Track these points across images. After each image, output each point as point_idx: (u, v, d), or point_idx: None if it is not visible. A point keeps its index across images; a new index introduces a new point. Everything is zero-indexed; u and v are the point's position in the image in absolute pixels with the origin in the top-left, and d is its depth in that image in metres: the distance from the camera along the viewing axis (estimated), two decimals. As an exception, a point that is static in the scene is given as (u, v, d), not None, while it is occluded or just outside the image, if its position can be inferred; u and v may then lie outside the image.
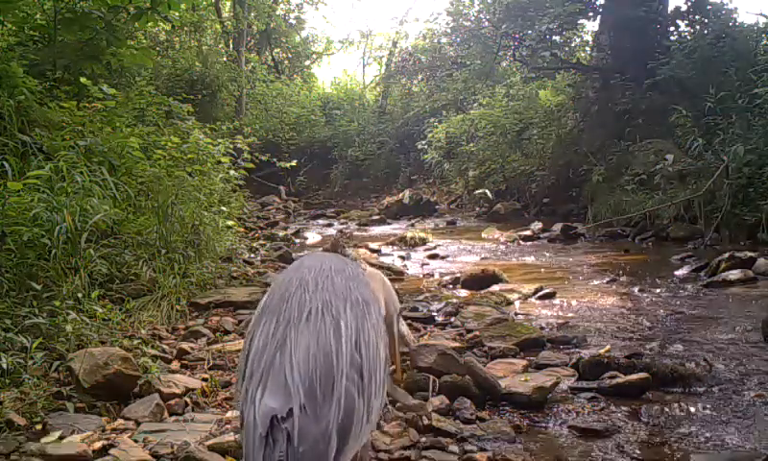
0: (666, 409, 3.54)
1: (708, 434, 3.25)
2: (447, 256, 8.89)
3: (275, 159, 13.77)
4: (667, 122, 11.01)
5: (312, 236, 11.05)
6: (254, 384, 1.59)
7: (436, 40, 21.31)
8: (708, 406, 3.58)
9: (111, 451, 2.85)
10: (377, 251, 9.20)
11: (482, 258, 8.67)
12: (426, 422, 3.27)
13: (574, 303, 5.98)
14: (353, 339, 1.68)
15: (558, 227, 10.49)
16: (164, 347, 4.33)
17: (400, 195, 14.88)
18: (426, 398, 3.61)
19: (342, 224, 13.14)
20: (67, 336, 3.73)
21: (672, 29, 13.12)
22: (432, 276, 7.55)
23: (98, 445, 2.90)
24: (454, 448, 3.10)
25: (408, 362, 4.06)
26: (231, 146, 8.69)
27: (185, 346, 4.35)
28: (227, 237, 7.24)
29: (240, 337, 4.69)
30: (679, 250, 8.44)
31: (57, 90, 6.96)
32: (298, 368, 1.57)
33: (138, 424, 3.19)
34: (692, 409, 3.54)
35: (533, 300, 6.17)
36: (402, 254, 9.07)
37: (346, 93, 23.82)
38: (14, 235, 4.18)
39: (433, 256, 8.86)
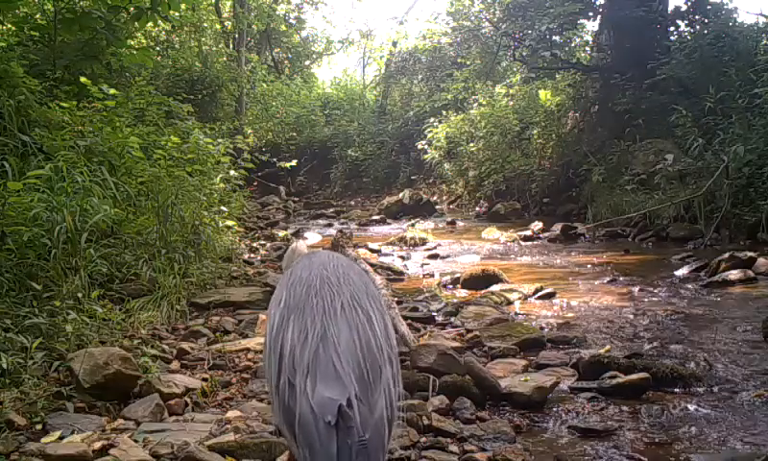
0: (666, 409, 3.54)
1: (707, 434, 3.25)
2: (447, 256, 8.89)
3: (275, 159, 13.77)
4: (667, 122, 11.01)
5: (312, 236, 11.05)
6: (301, 376, 1.63)
7: (436, 40, 21.29)
8: (708, 406, 3.58)
9: (111, 451, 2.85)
10: (377, 251, 9.20)
11: (482, 258, 8.66)
12: (426, 422, 3.27)
13: (574, 303, 5.98)
14: (383, 329, 1.77)
15: (558, 227, 10.49)
16: (164, 347, 4.33)
17: (400, 195, 14.87)
18: (426, 398, 3.62)
19: (342, 224, 13.13)
20: (67, 336, 3.73)
21: (672, 29, 13.12)
22: (432, 276, 7.55)
23: (98, 445, 2.90)
24: (454, 448, 3.10)
25: (408, 362, 4.06)
26: (231, 146, 8.69)
27: (185, 346, 4.35)
28: (227, 237, 7.25)
29: (240, 337, 4.70)
30: (679, 250, 8.44)
31: (57, 90, 6.95)
32: (346, 359, 1.63)
33: (138, 424, 3.19)
34: (692, 409, 3.54)
35: (533, 300, 6.17)
36: (402, 253, 9.07)
37: (346, 93, 23.81)
38: (14, 235, 4.18)
39: (433, 256, 8.86)
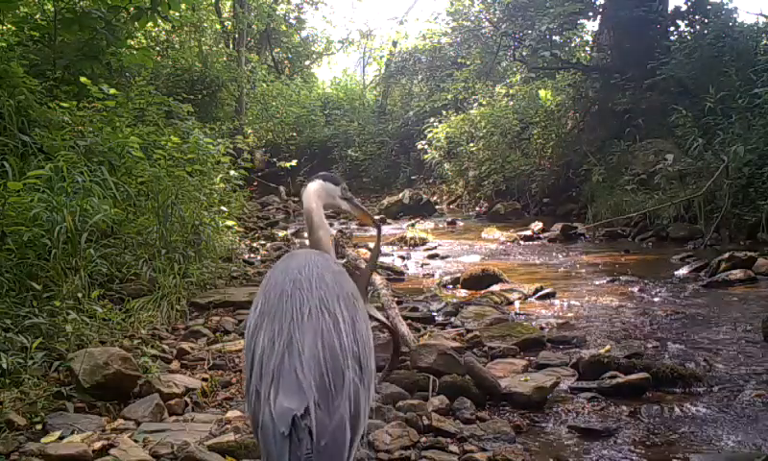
0: (666, 409, 3.54)
1: (708, 434, 3.25)
2: (447, 256, 8.89)
3: (275, 159, 13.77)
4: (667, 122, 11.00)
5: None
6: (266, 385, 1.67)
7: (436, 40, 21.28)
8: (708, 406, 3.58)
9: (111, 451, 2.85)
10: (377, 251, 9.17)
11: (482, 258, 8.66)
12: (426, 422, 3.27)
13: (574, 302, 5.98)
14: (351, 332, 1.79)
15: (558, 227, 10.49)
16: (164, 347, 4.33)
17: (400, 195, 14.86)
18: (426, 398, 3.62)
19: (342, 224, 13.13)
20: (67, 336, 3.74)
21: (672, 29, 13.12)
22: (432, 276, 7.55)
23: (98, 445, 2.91)
24: (454, 448, 3.10)
25: (408, 362, 4.06)
26: (231, 146, 8.68)
27: (185, 346, 4.35)
28: (227, 237, 7.24)
29: (240, 337, 4.69)
30: (679, 250, 8.44)
31: (57, 90, 6.95)
32: (308, 366, 1.66)
33: (138, 424, 3.19)
34: (692, 409, 3.54)
35: (533, 300, 6.17)
36: (402, 253, 9.07)
37: (346, 93, 23.79)
38: (14, 235, 4.18)
39: (433, 256, 8.86)
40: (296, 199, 17.24)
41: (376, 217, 13.45)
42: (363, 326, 1.88)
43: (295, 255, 2.14)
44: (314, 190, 2.39)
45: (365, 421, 1.76)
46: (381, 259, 8.33)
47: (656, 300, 6.03)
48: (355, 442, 1.68)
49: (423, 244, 9.79)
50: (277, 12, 23.50)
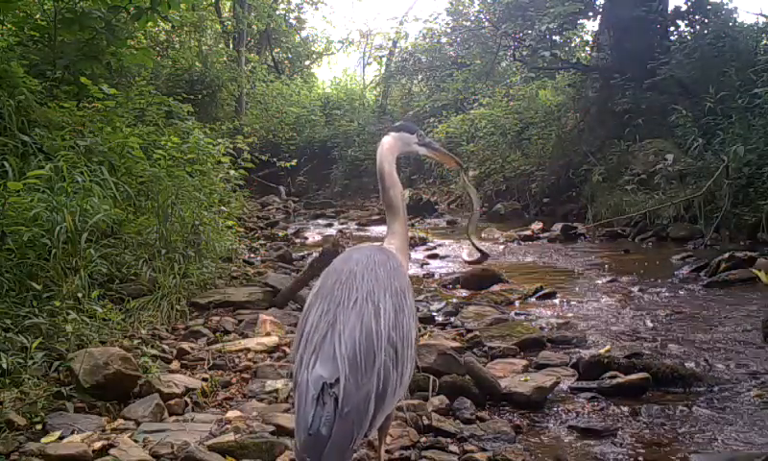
0: (666, 409, 3.54)
1: (708, 434, 3.25)
2: (448, 256, 8.88)
3: (275, 159, 13.78)
4: (667, 122, 11.00)
5: (312, 236, 11.05)
6: (308, 354, 1.96)
7: (436, 40, 21.30)
8: (708, 406, 3.58)
9: (111, 451, 2.85)
10: (377, 251, 9.16)
11: (482, 258, 8.65)
12: (426, 422, 3.27)
13: (574, 302, 5.98)
14: (391, 322, 2.04)
15: (558, 227, 10.48)
16: (164, 347, 4.33)
17: (400, 195, 14.84)
18: (426, 398, 3.61)
19: (342, 224, 13.13)
20: (67, 336, 3.73)
21: (672, 29, 13.12)
22: (432, 276, 7.54)
23: (98, 445, 2.91)
24: (454, 448, 3.10)
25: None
26: (231, 146, 8.68)
27: (185, 346, 4.35)
28: (227, 237, 7.24)
29: (240, 337, 4.71)
30: (679, 250, 8.43)
31: (57, 90, 6.95)
32: (345, 345, 1.93)
33: (138, 424, 3.19)
34: (692, 409, 3.54)
35: (533, 300, 6.17)
36: (402, 253, 9.04)
37: (346, 93, 23.80)
38: (14, 235, 4.18)
39: (433, 256, 8.85)
40: (296, 199, 17.28)
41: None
42: (407, 318, 2.11)
43: (359, 249, 2.39)
44: (387, 147, 2.63)
45: (393, 399, 2.00)
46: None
47: (656, 300, 6.03)
48: (379, 415, 1.92)
49: (423, 244, 9.78)
50: (277, 12, 23.51)
